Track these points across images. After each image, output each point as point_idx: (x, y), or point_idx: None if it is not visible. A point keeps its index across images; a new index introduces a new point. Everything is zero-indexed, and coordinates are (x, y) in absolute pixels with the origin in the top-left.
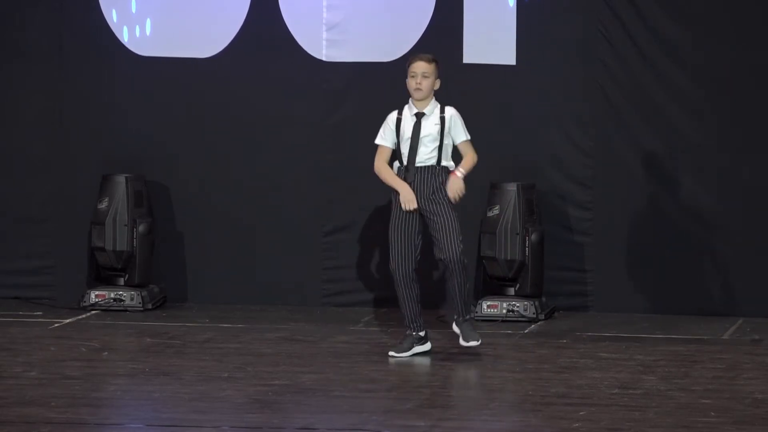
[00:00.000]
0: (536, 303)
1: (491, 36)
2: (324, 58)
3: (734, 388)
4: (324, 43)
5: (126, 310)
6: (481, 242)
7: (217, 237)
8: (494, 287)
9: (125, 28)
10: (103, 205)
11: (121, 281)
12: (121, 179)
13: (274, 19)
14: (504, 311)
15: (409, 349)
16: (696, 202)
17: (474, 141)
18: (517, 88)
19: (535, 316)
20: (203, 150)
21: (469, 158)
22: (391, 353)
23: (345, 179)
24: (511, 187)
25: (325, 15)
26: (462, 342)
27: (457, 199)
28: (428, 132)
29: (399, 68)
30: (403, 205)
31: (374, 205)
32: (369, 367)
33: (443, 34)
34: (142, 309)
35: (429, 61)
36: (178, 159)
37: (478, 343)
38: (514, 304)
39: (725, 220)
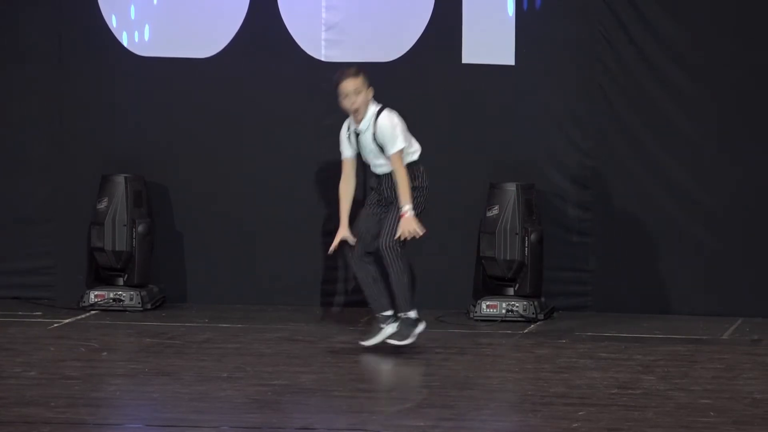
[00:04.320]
0: (535, 303)
1: (490, 36)
2: (323, 59)
3: (734, 388)
4: (323, 43)
5: (125, 311)
6: (480, 242)
7: (217, 237)
8: (493, 287)
9: (125, 33)
10: (103, 206)
11: (121, 281)
12: (120, 179)
13: (273, 19)
14: (503, 311)
15: (377, 333)
16: (695, 202)
17: (474, 141)
18: (516, 88)
19: (534, 316)
20: (202, 150)
21: (401, 178)
22: (390, 341)
23: None
24: (511, 187)
25: (324, 15)
26: (388, 339)
27: (416, 236)
28: (369, 148)
29: (399, 68)
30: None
31: None
32: (369, 367)
33: (442, 34)
34: (141, 309)
35: (355, 75)
36: (178, 159)
37: (401, 343)
38: (514, 304)
39: (725, 220)
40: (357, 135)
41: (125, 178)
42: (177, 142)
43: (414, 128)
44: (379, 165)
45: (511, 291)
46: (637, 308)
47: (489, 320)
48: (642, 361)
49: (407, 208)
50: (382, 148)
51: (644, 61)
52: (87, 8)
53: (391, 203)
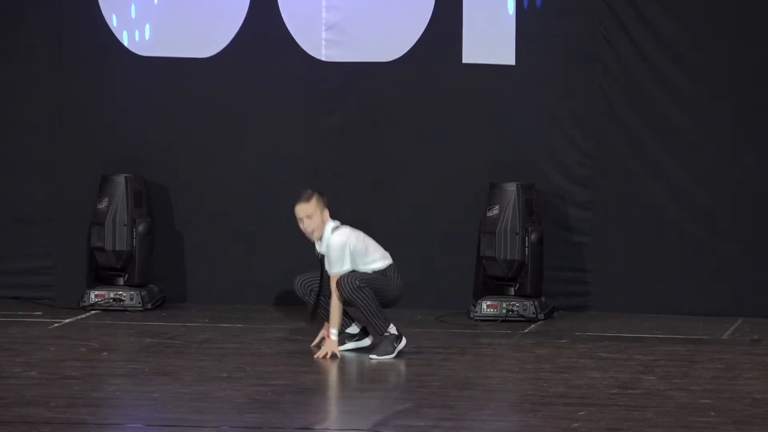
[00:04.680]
0: (536, 303)
1: (491, 36)
2: (323, 58)
3: (734, 388)
4: (323, 42)
5: (125, 310)
6: (480, 242)
7: (217, 237)
8: (494, 287)
9: (125, 33)
10: (103, 205)
11: (121, 281)
12: (120, 179)
13: (273, 19)
14: (503, 311)
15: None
16: (696, 202)
17: (474, 141)
18: (516, 88)
19: (534, 316)
20: (203, 150)
21: (335, 304)
22: (371, 356)
23: (344, 179)
24: (511, 187)
25: (324, 15)
26: (372, 355)
27: (325, 358)
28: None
29: (399, 68)
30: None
31: (374, 204)
32: (369, 367)
33: (442, 34)
34: (141, 309)
35: (307, 199)
36: (178, 159)
37: (381, 358)
38: (514, 304)
39: (725, 220)
40: (322, 258)
41: (125, 178)
42: (177, 142)
43: (415, 128)
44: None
45: (511, 291)
46: (637, 308)
47: (489, 320)
48: (642, 361)
49: (333, 332)
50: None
51: (644, 60)
52: (87, 8)
53: None
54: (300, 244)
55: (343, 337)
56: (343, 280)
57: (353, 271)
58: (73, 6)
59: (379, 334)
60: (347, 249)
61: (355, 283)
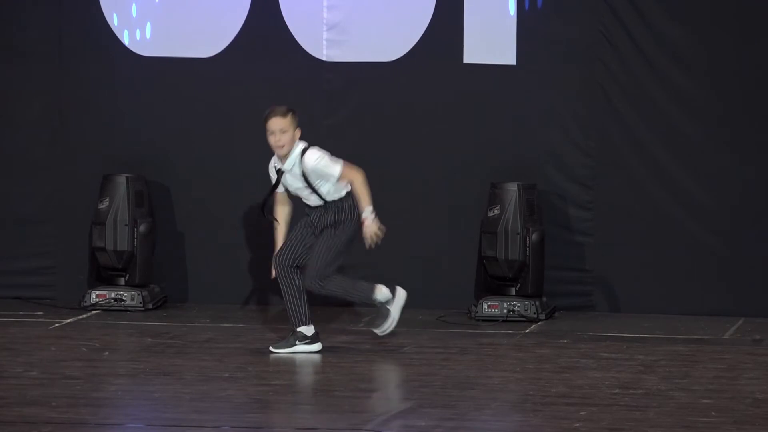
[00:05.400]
0: (537, 303)
1: (492, 36)
2: (324, 58)
3: (735, 388)
4: (324, 43)
5: (127, 310)
6: (481, 242)
7: (218, 237)
8: (495, 287)
9: (126, 32)
10: (104, 205)
11: (122, 281)
12: (121, 179)
13: (274, 19)
14: (505, 311)
15: (291, 345)
16: (696, 202)
17: (475, 141)
18: (517, 88)
19: (535, 316)
20: (204, 150)
21: (357, 186)
22: (271, 348)
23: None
24: (512, 187)
25: (325, 15)
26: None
27: (377, 240)
28: (295, 185)
29: (399, 68)
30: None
31: (375, 204)
32: (369, 367)
33: (443, 34)
34: (142, 309)
35: (284, 114)
36: (179, 159)
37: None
38: (515, 304)
39: (725, 220)
40: (279, 173)
41: (127, 177)
42: (178, 142)
43: (415, 128)
44: (306, 198)
45: (512, 291)
46: (639, 308)
47: (490, 320)
48: (643, 361)
49: (368, 209)
50: (310, 184)
51: (645, 60)
52: (88, 7)
53: (324, 229)
54: None
55: (294, 338)
56: (313, 273)
57: (324, 272)
58: (74, 5)
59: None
60: (325, 155)
61: (327, 274)
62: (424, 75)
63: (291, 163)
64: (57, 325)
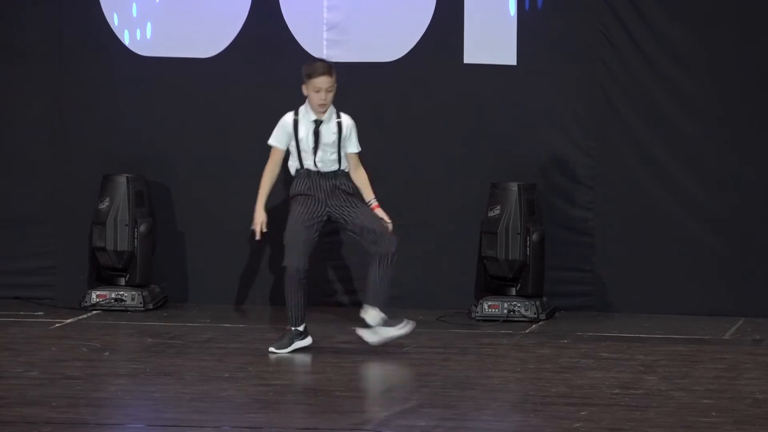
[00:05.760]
0: (537, 303)
1: (492, 36)
2: (325, 58)
3: (735, 388)
4: (324, 43)
5: (127, 310)
6: (482, 242)
7: (218, 237)
8: (495, 287)
9: (126, 32)
10: (104, 205)
11: (122, 281)
12: (122, 179)
13: (274, 19)
14: (505, 311)
15: (290, 344)
16: (696, 202)
17: (475, 141)
18: (517, 88)
19: (536, 316)
20: (204, 150)
21: (364, 176)
22: (271, 349)
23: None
24: (513, 187)
25: (325, 15)
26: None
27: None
28: (327, 140)
29: (399, 68)
30: (253, 227)
31: None
32: (369, 368)
33: (444, 34)
34: (143, 309)
35: (331, 73)
36: (179, 159)
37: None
38: (515, 304)
39: (726, 220)
40: (316, 125)
41: (127, 177)
42: (178, 142)
43: (416, 128)
44: (325, 159)
45: (512, 291)
46: (639, 308)
47: (491, 320)
48: (643, 361)
49: (376, 202)
50: (338, 143)
51: (645, 60)
52: (88, 6)
53: (336, 208)
54: None
55: (290, 336)
56: (387, 244)
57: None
58: (74, 5)
59: (371, 303)
60: None
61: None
62: (424, 75)
63: (328, 116)
64: (57, 325)
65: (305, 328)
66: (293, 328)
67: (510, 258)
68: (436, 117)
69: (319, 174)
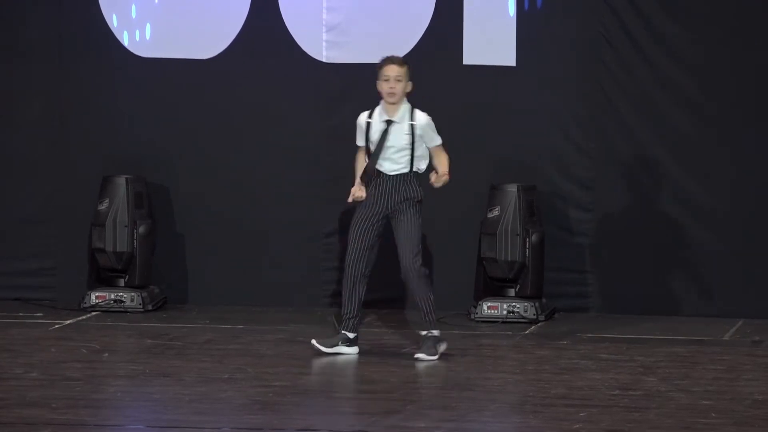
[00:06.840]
0: (536, 304)
1: (491, 37)
2: (324, 60)
3: (734, 390)
4: (324, 44)
5: (126, 312)
6: (481, 243)
7: (218, 238)
8: (494, 288)
9: (125, 33)
10: (104, 207)
11: (122, 282)
12: (121, 180)
13: (274, 20)
14: (504, 312)
15: (333, 346)
16: (696, 203)
17: (474, 142)
18: (517, 89)
19: (535, 317)
20: (203, 151)
21: (446, 160)
22: (313, 341)
23: (345, 180)
24: (512, 189)
25: (325, 16)
26: (417, 354)
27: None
28: (396, 141)
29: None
30: (351, 195)
31: None
32: (369, 368)
33: (443, 35)
34: (142, 310)
35: (401, 64)
36: (179, 160)
37: (431, 358)
38: (515, 306)
39: (726, 221)
40: (386, 125)
41: (126, 179)
42: (178, 143)
43: None
44: (394, 161)
45: (512, 292)
46: (638, 309)
47: (490, 321)
48: (643, 363)
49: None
50: (412, 144)
51: (645, 61)
52: (87, 7)
53: (393, 213)
54: (301, 245)
55: (339, 338)
56: (410, 255)
57: (419, 249)
58: (74, 6)
59: (427, 329)
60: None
61: (419, 268)
62: (424, 76)
63: (401, 116)
64: (57, 326)
65: (356, 337)
66: (343, 332)
67: (509, 259)
68: (435, 118)
69: (386, 176)
